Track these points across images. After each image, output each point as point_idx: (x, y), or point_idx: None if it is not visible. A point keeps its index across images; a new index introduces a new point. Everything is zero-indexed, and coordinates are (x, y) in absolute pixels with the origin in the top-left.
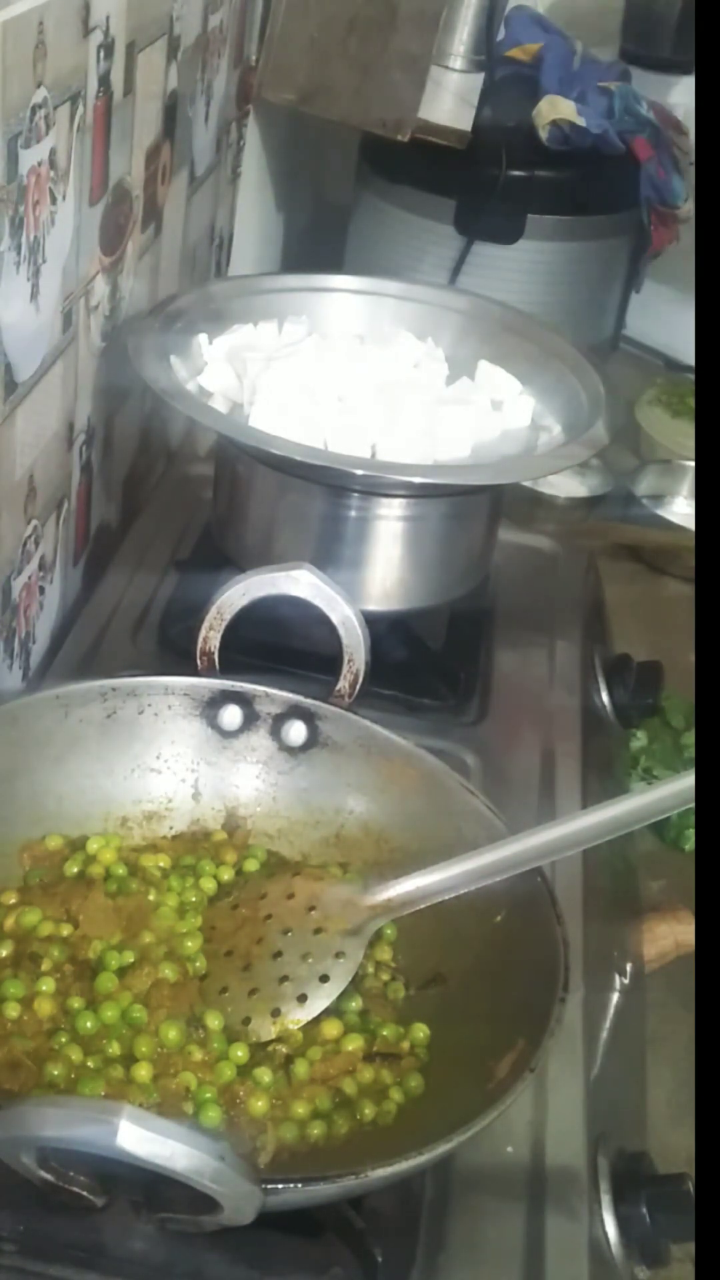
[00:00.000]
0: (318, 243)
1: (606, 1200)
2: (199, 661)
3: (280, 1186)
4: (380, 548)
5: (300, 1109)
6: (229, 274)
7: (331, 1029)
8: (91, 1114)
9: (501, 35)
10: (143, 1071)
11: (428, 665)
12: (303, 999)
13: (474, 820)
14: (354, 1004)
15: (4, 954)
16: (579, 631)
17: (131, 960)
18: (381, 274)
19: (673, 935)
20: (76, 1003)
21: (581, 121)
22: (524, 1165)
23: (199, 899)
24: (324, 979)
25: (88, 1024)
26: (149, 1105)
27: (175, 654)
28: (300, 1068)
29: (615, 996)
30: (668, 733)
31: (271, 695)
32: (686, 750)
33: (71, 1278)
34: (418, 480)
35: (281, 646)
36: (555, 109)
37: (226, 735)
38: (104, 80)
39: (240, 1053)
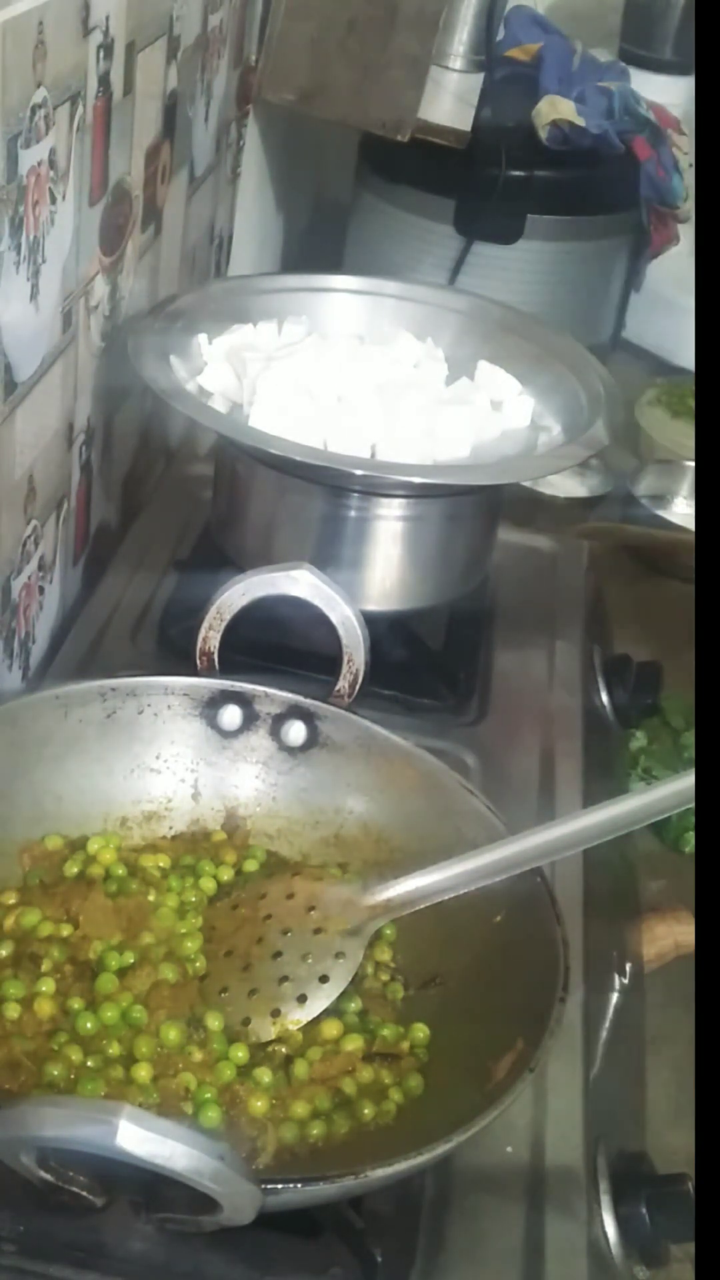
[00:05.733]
0: (317, 243)
1: (606, 1200)
2: (198, 661)
3: (280, 1186)
4: (380, 548)
5: (300, 1109)
6: (229, 274)
7: (331, 1029)
8: (91, 1114)
9: (501, 35)
10: (143, 1072)
11: (428, 665)
12: (302, 999)
13: (474, 820)
14: (353, 1004)
15: (4, 954)
16: (579, 631)
17: (131, 961)
18: (381, 274)
19: (673, 935)
20: (76, 1003)
21: (581, 121)
22: (524, 1165)
23: (199, 899)
24: (324, 979)
25: (88, 1024)
26: (149, 1105)
27: (175, 654)
28: (300, 1068)
29: (615, 996)
30: (667, 733)
31: (271, 695)
32: (686, 750)
33: (71, 1278)
34: (417, 480)
35: (281, 646)
36: (555, 109)
37: (226, 735)
38: (104, 80)
39: (240, 1053)
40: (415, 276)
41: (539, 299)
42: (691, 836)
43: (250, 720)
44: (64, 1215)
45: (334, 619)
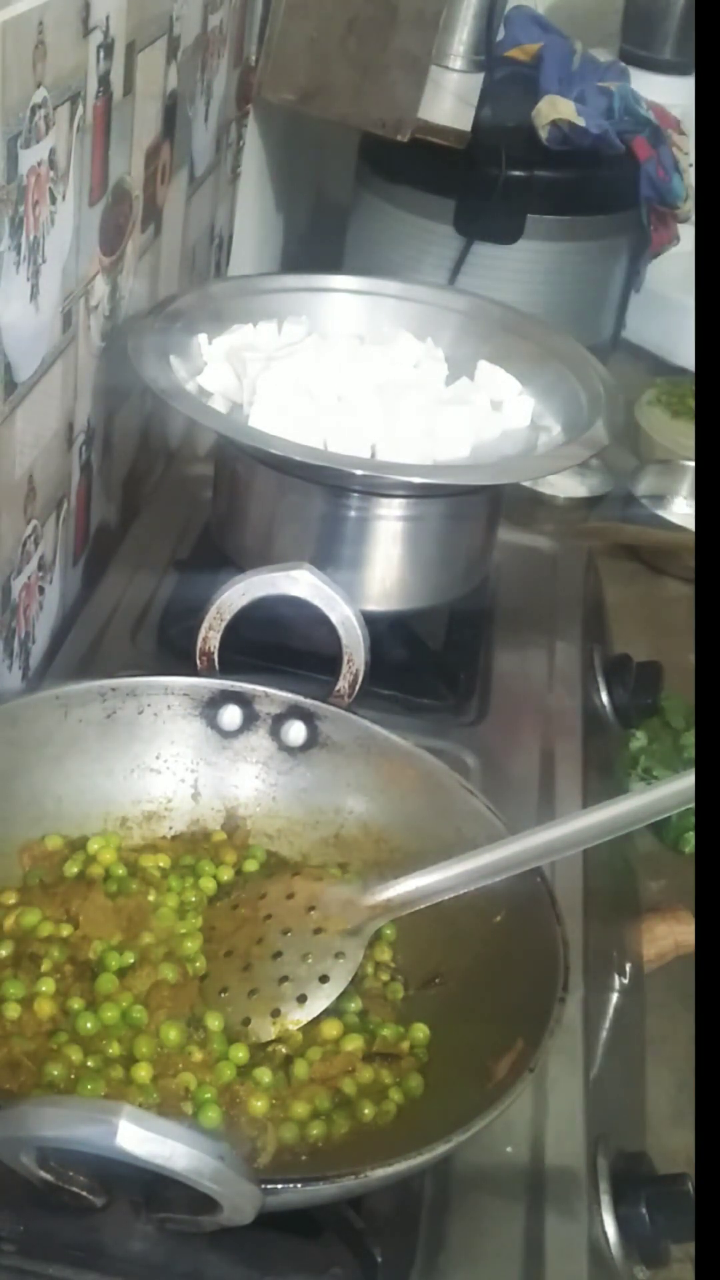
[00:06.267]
0: (317, 243)
1: (606, 1200)
2: (198, 661)
3: (280, 1186)
4: (380, 548)
5: (300, 1109)
6: (229, 274)
7: (331, 1029)
8: (91, 1114)
9: (501, 35)
10: (143, 1072)
11: (428, 665)
12: (302, 999)
13: (474, 820)
14: (353, 1004)
15: (4, 954)
16: (579, 631)
17: (131, 961)
18: (381, 274)
19: (673, 935)
20: (76, 1003)
21: (581, 121)
22: (524, 1165)
23: (199, 899)
24: (324, 979)
25: (88, 1024)
26: (149, 1105)
27: (175, 654)
28: (300, 1068)
29: (615, 996)
30: (667, 733)
31: (271, 695)
32: (686, 750)
33: (71, 1278)
34: (417, 480)
35: (281, 646)
36: (555, 109)
37: (226, 735)
38: (104, 80)
39: (240, 1053)
40: (415, 276)
41: (539, 299)
42: (691, 836)
43: (250, 720)
44: (64, 1215)
45: (334, 619)
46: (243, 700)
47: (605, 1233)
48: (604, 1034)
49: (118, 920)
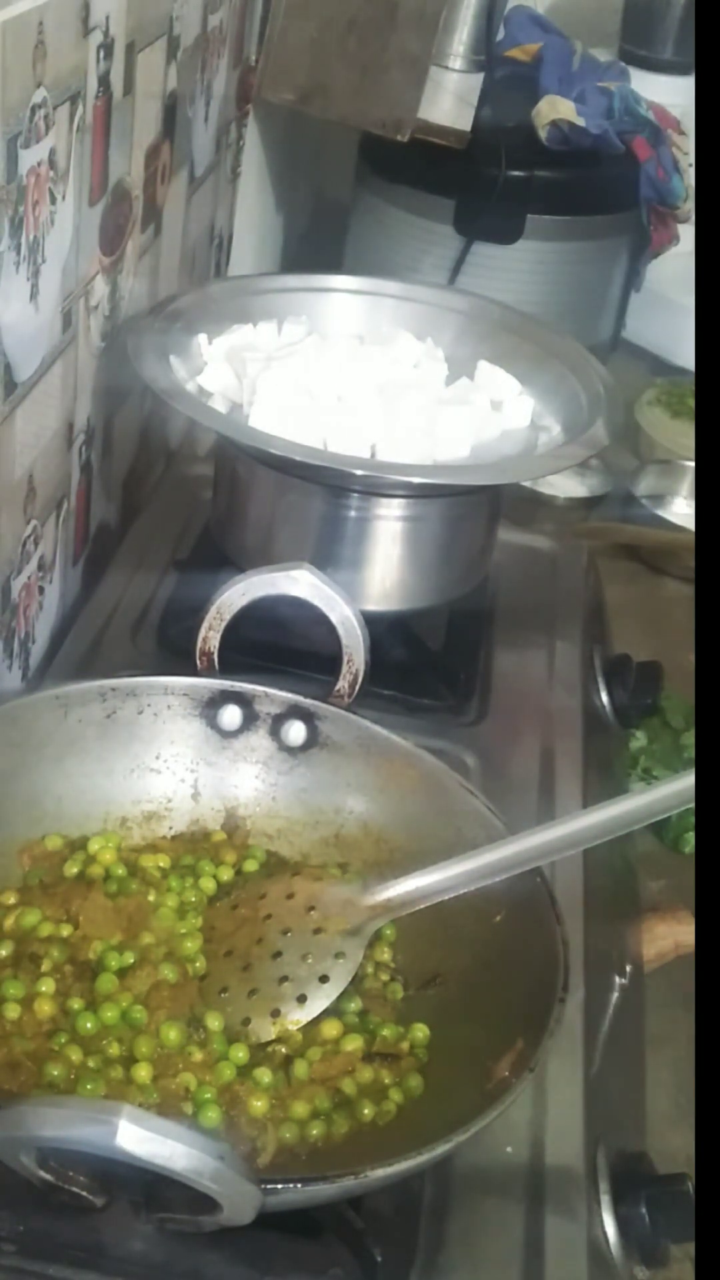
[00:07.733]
0: (317, 243)
1: (606, 1200)
2: (198, 661)
3: (280, 1186)
4: (380, 548)
5: (300, 1109)
6: (229, 274)
7: (331, 1029)
8: (91, 1114)
9: (501, 35)
10: (142, 1072)
11: (427, 665)
12: (302, 999)
13: (474, 820)
14: (353, 1004)
15: (4, 954)
16: (579, 631)
17: (131, 961)
18: (381, 274)
19: (673, 935)
20: (76, 1003)
21: (581, 121)
22: (523, 1165)
23: (199, 899)
24: (323, 979)
25: (88, 1025)
26: (149, 1105)
27: (175, 654)
28: (300, 1068)
29: (615, 996)
30: (667, 733)
31: (271, 695)
32: (686, 750)
33: (71, 1278)
34: (417, 480)
35: (281, 646)
36: (555, 109)
37: (226, 735)
38: (104, 80)
39: (240, 1053)
40: (415, 276)
41: (539, 299)
42: (691, 836)
43: (250, 720)
44: (64, 1215)
45: (334, 619)
46: (243, 700)
47: (605, 1233)
48: (604, 1034)
49: (118, 920)
